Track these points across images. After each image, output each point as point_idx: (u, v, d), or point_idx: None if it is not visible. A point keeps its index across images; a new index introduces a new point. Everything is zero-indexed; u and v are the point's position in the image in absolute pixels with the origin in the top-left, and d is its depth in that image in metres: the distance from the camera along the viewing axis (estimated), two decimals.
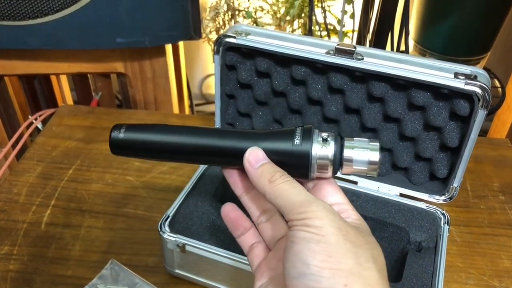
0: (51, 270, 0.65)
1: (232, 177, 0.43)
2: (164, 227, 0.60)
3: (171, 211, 0.62)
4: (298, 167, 0.38)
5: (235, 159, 0.40)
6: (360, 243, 0.33)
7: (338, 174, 0.40)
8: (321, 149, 0.38)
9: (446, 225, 0.63)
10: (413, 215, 0.64)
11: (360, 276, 0.31)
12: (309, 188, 0.40)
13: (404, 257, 0.59)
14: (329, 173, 0.39)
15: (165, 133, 0.42)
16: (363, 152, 0.38)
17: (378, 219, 0.64)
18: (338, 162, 0.38)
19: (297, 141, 0.38)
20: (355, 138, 0.39)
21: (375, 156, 0.38)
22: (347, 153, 0.38)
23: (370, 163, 0.38)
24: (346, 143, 0.39)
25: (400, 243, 0.62)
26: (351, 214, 0.38)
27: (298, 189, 0.35)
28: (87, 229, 0.71)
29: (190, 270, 0.62)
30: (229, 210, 0.43)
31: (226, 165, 0.43)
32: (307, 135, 0.38)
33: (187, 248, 0.59)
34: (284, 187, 0.35)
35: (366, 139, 0.39)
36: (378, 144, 0.39)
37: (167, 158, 0.45)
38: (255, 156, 0.38)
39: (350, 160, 0.38)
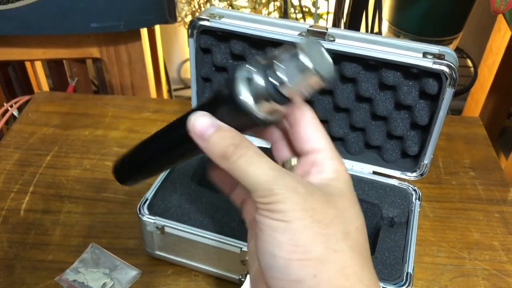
0: (32, 256, 0.65)
1: (216, 177, 0.39)
2: (143, 209, 0.61)
3: (150, 194, 0.63)
4: (242, 119, 0.32)
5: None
6: (329, 219, 0.30)
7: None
8: (249, 86, 0.31)
9: (417, 200, 0.65)
10: (386, 192, 0.66)
11: (330, 261, 0.29)
12: (287, 128, 0.35)
13: (377, 232, 0.61)
14: (276, 105, 0.31)
15: (148, 144, 0.40)
16: (291, 60, 0.30)
17: None
18: (273, 87, 0.31)
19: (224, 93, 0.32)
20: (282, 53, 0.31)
21: (304, 59, 0.30)
22: (278, 71, 0.30)
23: (301, 66, 0.30)
24: (275, 62, 0.31)
25: (374, 219, 0.64)
26: (326, 168, 0.33)
27: (256, 165, 0.30)
28: (67, 214, 0.71)
29: (170, 251, 0.63)
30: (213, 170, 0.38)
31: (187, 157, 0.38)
32: (231, 81, 0.31)
33: (166, 229, 0.60)
34: (240, 166, 0.30)
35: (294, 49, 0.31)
36: (304, 44, 0.30)
37: (160, 165, 0.42)
38: (200, 125, 0.31)
39: (281, 78, 0.30)
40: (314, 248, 0.29)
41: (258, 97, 0.31)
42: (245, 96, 0.31)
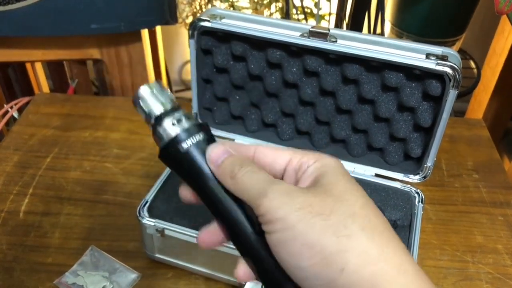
0: (31, 258, 0.65)
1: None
2: (143, 212, 0.61)
3: (150, 196, 0.63)
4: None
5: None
6: (329, 208, 0.29)
7: None
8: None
9: (420, 203, 0.64)
10: (388, 195, 0.65)
11: (348, 249, 0.28)
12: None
13: None
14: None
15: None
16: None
17: None
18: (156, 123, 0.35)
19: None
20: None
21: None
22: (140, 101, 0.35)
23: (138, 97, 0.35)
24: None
25: None
26: (306, 164, 0.33)
27: (255, 178, 0.32)
28: (67, 217, 0.71)
29: (169, 254, 0.62)
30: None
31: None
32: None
33: (166, 232, 0.59)
34: (244, 181, 0.32)
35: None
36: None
37: None
38: (214, 154, 0.34)
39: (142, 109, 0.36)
40: (326, 242, 0.28)
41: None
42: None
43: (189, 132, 0.34)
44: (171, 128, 0.34)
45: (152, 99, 0.36)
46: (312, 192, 0.30)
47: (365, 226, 0.29)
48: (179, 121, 0.34)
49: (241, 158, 0.34)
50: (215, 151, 0.34)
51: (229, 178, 0.33)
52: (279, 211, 0.29)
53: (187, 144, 0.34)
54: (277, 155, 0.35)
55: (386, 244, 0.29)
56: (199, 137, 0.34)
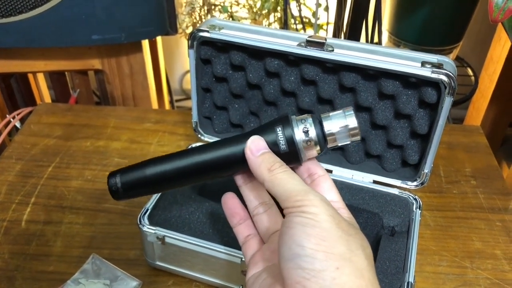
0: (33, 267, 0.65)
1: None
2: (144, 220, 0.61)
3: (150, 204, 0.63)
4: (289, 158, 0.41)
5: (232, 165, 0.42)
6: (351, 232, 0.35)
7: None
8: (304, 136, 0.40)
9: (418, 209, 0.65)
10: (387, 201, 0.66)
11: (351, 261, 0.33)
12: (306, 182, 0.42)
13: (378, 241, 0.61)
14: (316, 152, 0.41)
15: (159, 164, 0.43)
16: (341, 121, 0.41)
17: (353, 206, 0.66)
18: (323, 140, 0.41)
19: (282, 145, 0.41)
20: (330, 113, 0.42)
21: (353, 122, 0.41)
22: (327, 127, 0.41)
23: (350, 130, 0.41)
24: (324, 120, 0.41)
25: (374, 228, 0.64)
26: (343, 212, 0.40)
27: (296, 180, 0.37)
28: (68, 225, 0.71)
29: (170, 261, 0.63)
30: (227, 198, 0.46)
31: (227, 173, 0.44)
32: (288, 130, 0.40)
33: (167, 240, 0.60)
34: (282, 176, 0.38)
35: (340, 110, 0.42)
36: (352, 110, 0.42)
37: (168, 186, 0.46)
38: (256, 145, 0.40)
39: (332, 134, 0.41)
40: (338, 246, 0.33)
41: (307, 141, 0.40)
42: (299, 139, 0.40)
43: None
44: None
45: None
46: (340, 216, 0.36)
47: (368, 258, 0.35)
48: None
49: (279, 159, 0.40)
50: (256, 143, 0.40)
51: (266, 170, 0.38)
52: (314, 209, 0.35)
53: None
54: (332, 192, 0.42)
55: (375, 276, 0.35)
56: None
